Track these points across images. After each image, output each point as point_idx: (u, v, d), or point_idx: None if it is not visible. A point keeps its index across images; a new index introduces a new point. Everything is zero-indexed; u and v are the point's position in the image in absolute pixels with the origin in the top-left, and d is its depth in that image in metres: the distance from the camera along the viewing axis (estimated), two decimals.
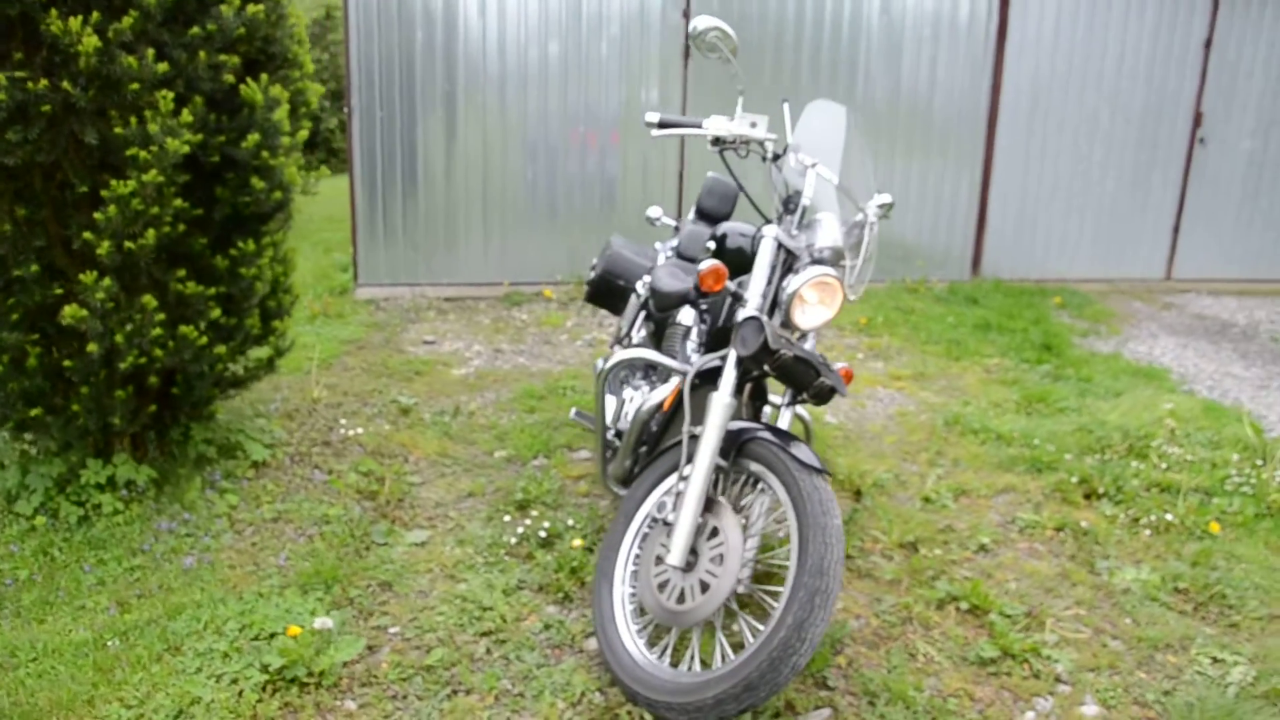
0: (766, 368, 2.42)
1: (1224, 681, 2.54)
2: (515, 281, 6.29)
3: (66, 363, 3.01)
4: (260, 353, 3.61)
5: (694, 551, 2.37)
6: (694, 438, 2.50)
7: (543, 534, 3.13)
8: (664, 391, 2.79)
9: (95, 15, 2.67)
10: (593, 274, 3.90)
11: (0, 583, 2.84)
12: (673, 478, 2.57)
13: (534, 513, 3.32)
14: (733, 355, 2.45)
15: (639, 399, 3.12)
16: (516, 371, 4.89)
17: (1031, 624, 2.77)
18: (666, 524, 2.44)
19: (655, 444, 2.84)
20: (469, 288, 6.25)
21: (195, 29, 2.86)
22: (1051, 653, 2.62)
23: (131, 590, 2.81)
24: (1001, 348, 5.45)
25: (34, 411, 3.03)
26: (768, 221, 2.61)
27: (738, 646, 2.39)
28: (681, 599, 2.37)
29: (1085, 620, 2.82)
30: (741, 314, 2.47)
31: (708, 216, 3.90)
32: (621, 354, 2.82)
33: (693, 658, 2.37)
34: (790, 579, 2.18)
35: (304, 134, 3.22)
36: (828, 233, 2.49)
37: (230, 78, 2.96)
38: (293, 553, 3.02)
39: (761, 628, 2.26)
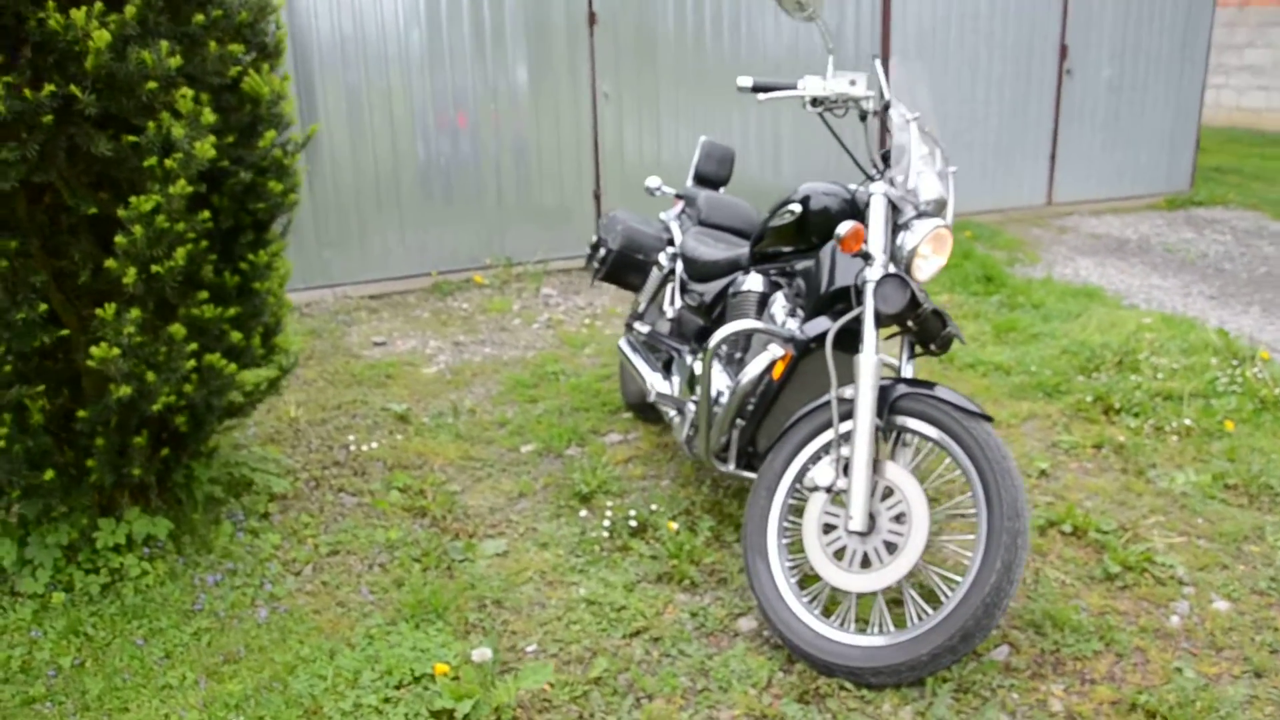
0: (910, 323, 2.44)
1: None
2: (443, 271, 6.03)
3: (81, 413, 2.66)
4: (262, 374, 3.31)
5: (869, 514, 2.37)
6: (841, 400, 2.50)
7: (632, 524, 3.05)
8: (762, 362, 2.75)
9: (98, 5, 2.33)
10: (603, 251, 3.79)
11: (43, 676, 2.50)
12: (814, 445, 2.55)
13: (609, 504, 3.22)
14: (870, 313, 2.45)
15: (719, 372, 3.07)
16: (490, 363, 4.70)
17: (1130, 537, 2.94)
18: (829, 490, 2.42)
19: (762, 414, 2.80)
20: (393, 282, 5.94)
21: (199, 16, 2.55)
22: (1164, 559, 2.80)
23: (212, 657, 2.53)
24: (945, 283, 5.70)
25: (47, 475, 2.66)
26: (870, 178, 2.61)
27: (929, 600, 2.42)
28: (866, 563, 2.37)
29: (1168, 525, 3.02)
30: (871, 273, 2.47)
31: (708, 181, 3.88)
32: (730, 327, 2.76)
33: (881, 621, 2.38)
34: (984, 524, 2.23)
35: (315, 127, 2.94)
36: (930, 185, 2.51)
37: (237, 70, 2.67)
38: (373, 585, 2.81)
39: (958, 579, 2.30)
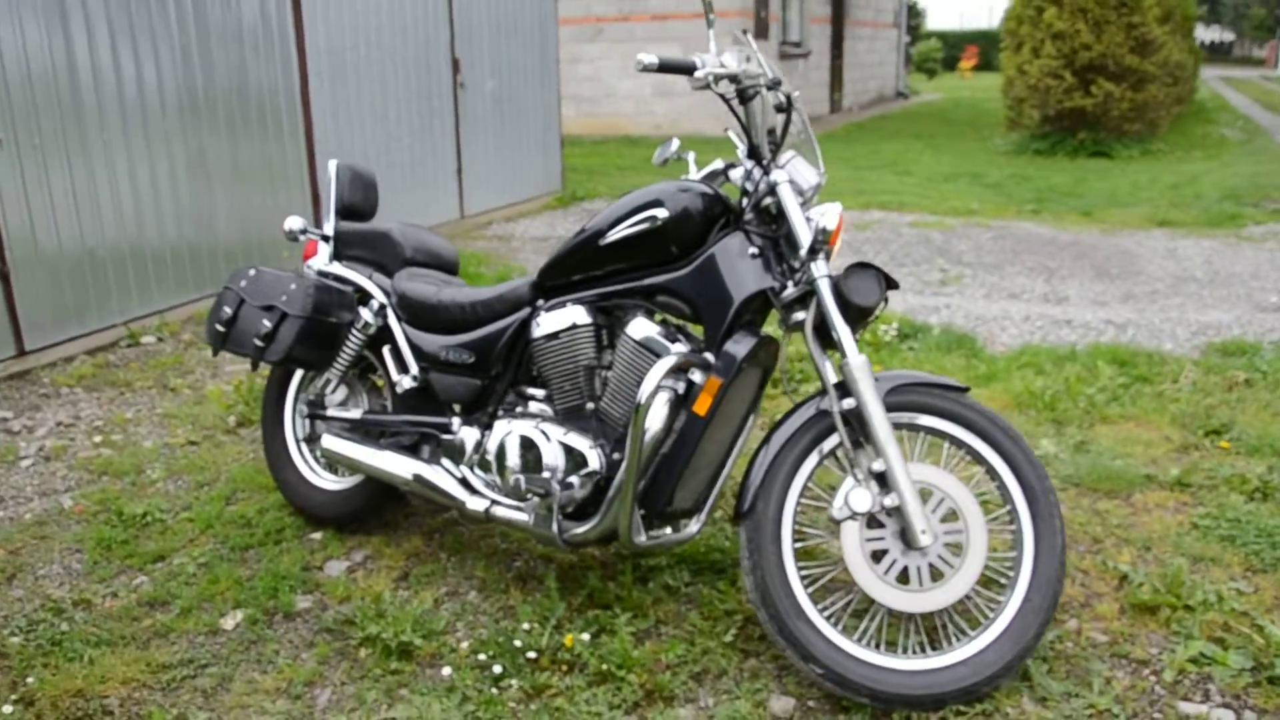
0: (876, 314, 2.31)
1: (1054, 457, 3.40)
2: None
3: None
4: None
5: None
6: (824, 413, 2.26)
7: (530, 655, 2.37)
8: (663, 402, 2.34)
9: None
10: (266, 324, 2.84)
11: None
12: (803, 474, 2.28)
13: (462, 645, 2.45)
14: (835, 310, 2.25)
15: (578, 435, 2.52)
16: (19, 531, 3.16)
17: None
18: (869, 514, 2.19)
19: (685, 462, 2.37)
20: None
21: None
22: None
23: None
24: None
25: None
26: (763, 165, 2.37)
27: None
28: (936, 575, 2.20)
29: None
30: (821, 268, 2.27)
31: (356, 214, 3.18)
32: (660, 369, 2.27)
33: (954, 629, 2.24)
34: (1020, 491, 2.24)
35: None
36: (807, 170, 2.40)
37: None
38: None
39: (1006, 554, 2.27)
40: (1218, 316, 4.96)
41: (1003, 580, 2.30)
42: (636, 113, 14.08)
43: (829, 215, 2.29)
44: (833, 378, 2.30)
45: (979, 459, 2.29)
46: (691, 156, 2.68)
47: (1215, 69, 38.95)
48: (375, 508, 3.02)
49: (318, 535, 3.08)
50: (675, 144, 2.64)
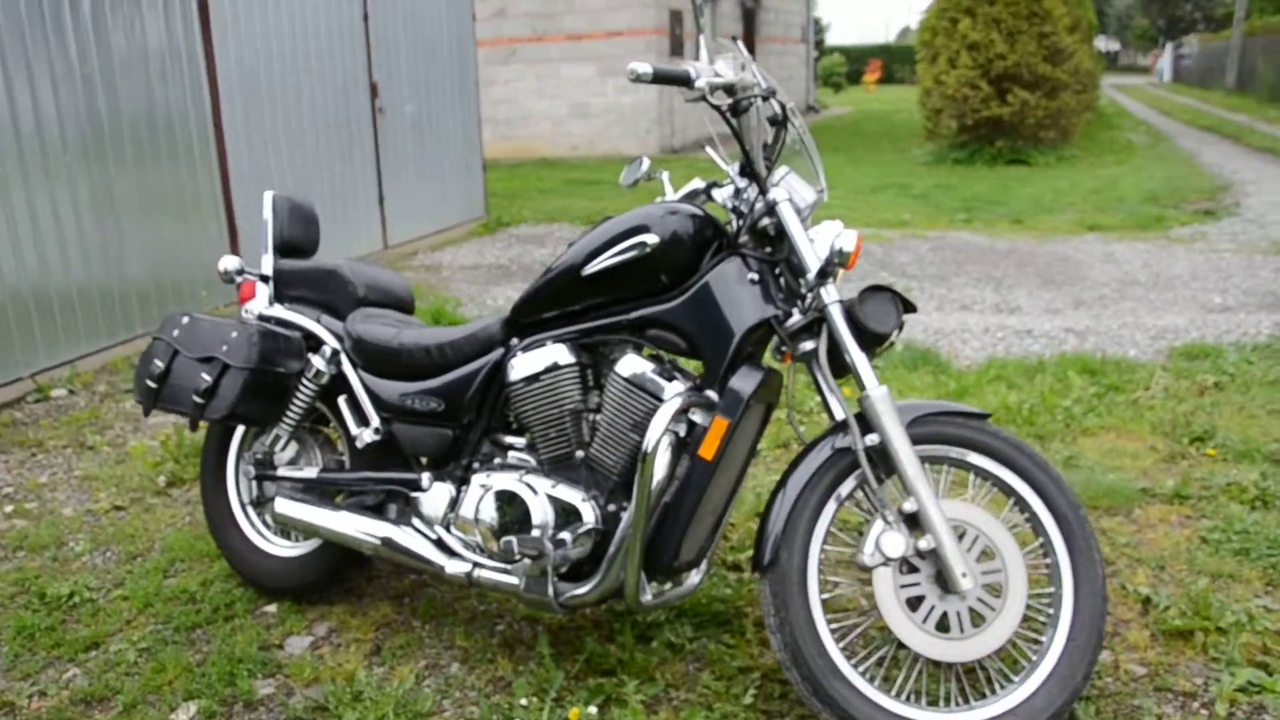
0: (893, 341, 2.15)
1: None
2: None
3: None
4: None
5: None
6: (846, 450, 2.10)
7: None
8: (666, 448, 2.15)
9: None
10: (206, 377, 2.56)
11: None
12: (825, 518, 2.10)
13: None
14: (850, 338, 2.09)
15: (568, 487, 2.30)
16: None
17: None
18: (903, 559, 2.02)
19: (691, 511, 2.18)
20: None
21: None
22: None
23: None
24: None
25: None
26: (760, 182, 2.20)
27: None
28: (977, 619, 2.04)
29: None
30: (831, 293, 2.10)
31: (296, 250, 2.91)
32: (665, 412, 2.07)
33: (996, 676, 2.08)
34: (1055, 524, 2.10)
35: None
36: (804, 187, 2.25)
37: None
38: None
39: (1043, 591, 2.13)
40: (1172, 320, 4.99)
41: (1040, 618, 2.16)
42: (553, 134, 13.89)
43: (845, 236, 2.11)
44: (840, 412, 2.14)
45: (1008, 490, 2.15)
46: (665, 176, 2.51)
47: (1106, 77, 40.65)
48: (336, 574, 2.76)
49: (273, 608, 2.79)
50: (646, 163, 2.47)
